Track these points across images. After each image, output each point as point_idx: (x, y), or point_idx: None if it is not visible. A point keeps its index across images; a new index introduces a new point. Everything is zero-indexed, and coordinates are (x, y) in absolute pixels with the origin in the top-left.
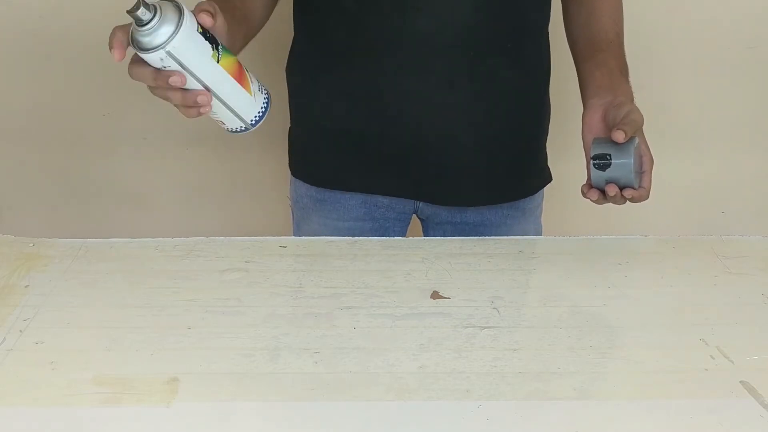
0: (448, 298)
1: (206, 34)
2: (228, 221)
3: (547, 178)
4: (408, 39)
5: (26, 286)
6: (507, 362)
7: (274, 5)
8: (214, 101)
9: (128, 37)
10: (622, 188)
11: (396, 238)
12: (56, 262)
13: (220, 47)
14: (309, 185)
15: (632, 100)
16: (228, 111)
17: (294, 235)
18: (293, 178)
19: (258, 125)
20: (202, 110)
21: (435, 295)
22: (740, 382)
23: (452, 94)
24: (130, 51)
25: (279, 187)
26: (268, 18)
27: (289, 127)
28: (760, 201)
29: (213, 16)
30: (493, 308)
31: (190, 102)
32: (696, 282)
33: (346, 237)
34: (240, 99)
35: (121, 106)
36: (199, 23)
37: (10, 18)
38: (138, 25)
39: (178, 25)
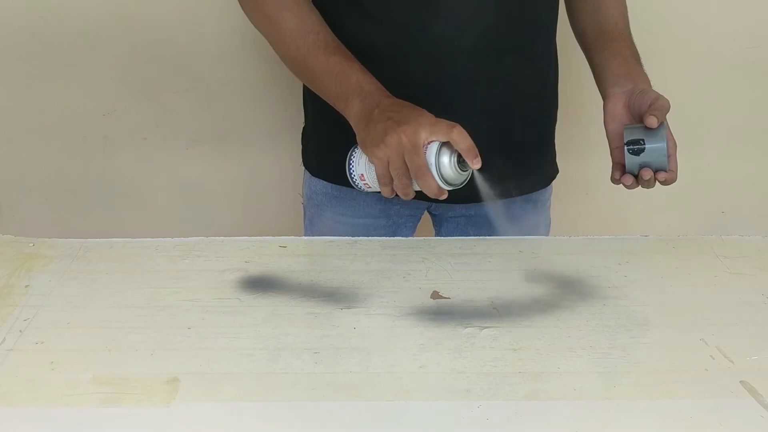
0: (448, 298)
1: None
2: (228, 221)
3: (556, 170)
4: (430, 41)
5: (26, 286)
6: (507, 362)
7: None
8: None
9: (436, 173)
10: (655, 172)
11: (396, 238)
12: (56, 262)
13: None
14: (324, 182)
15: (651, 85)
16: None
17: (306, 233)
18: (308, 175)
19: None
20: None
21: (435, 295)
22: (740, 382)
23: (473, 93)
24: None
25: (279, 186)
26: None
27: (304, 126)
28: (760, 201)
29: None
30: (493, 308)
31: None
32: (696, 282)
33: (346, 237)
34: None
35: (121, 106)
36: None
37: (10, 18)
38: (461, 170)
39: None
